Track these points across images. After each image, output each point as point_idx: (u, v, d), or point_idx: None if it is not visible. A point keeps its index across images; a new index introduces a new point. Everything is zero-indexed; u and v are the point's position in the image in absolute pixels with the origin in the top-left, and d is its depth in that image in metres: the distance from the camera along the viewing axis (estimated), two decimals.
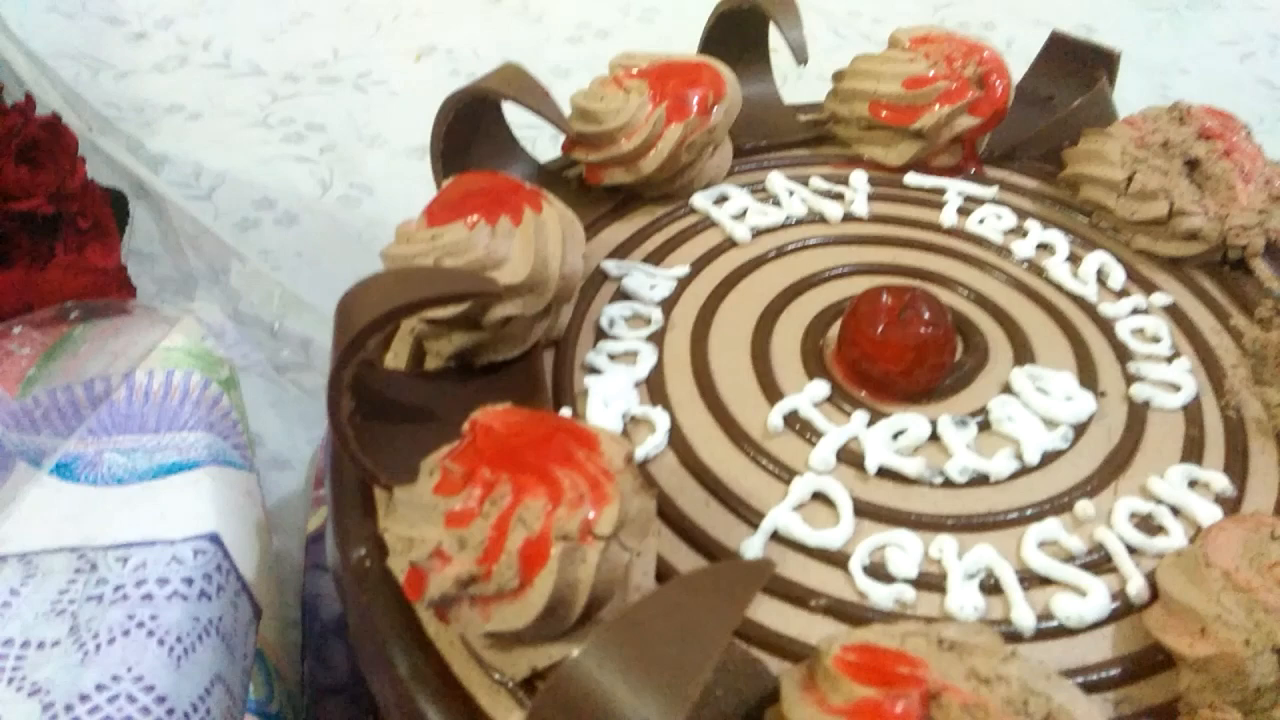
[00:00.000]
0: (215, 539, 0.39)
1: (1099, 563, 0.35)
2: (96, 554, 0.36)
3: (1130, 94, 0.58)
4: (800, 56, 0.53)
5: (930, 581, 0.34)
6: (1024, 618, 0.33)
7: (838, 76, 0.55)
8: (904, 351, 0.39)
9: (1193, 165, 0.49)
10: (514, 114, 0.49)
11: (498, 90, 0.47)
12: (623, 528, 0.31)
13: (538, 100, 0.46)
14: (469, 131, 0.49)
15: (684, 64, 0.50)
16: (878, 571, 0.35)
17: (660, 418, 0.39)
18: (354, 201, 0.85)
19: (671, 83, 0.48)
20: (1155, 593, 0.34)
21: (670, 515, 0.36)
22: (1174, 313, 0.46)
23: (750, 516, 0.36)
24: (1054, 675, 0.28)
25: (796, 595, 0.34)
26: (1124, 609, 0.34)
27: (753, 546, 0.35)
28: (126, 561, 0.37)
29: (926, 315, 0.40)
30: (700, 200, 0.50)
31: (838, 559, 0.35)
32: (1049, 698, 0.27)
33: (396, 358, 0.43)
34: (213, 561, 0.38)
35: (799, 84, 0.61)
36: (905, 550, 0.35)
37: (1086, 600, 0.34)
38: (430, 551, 0.30)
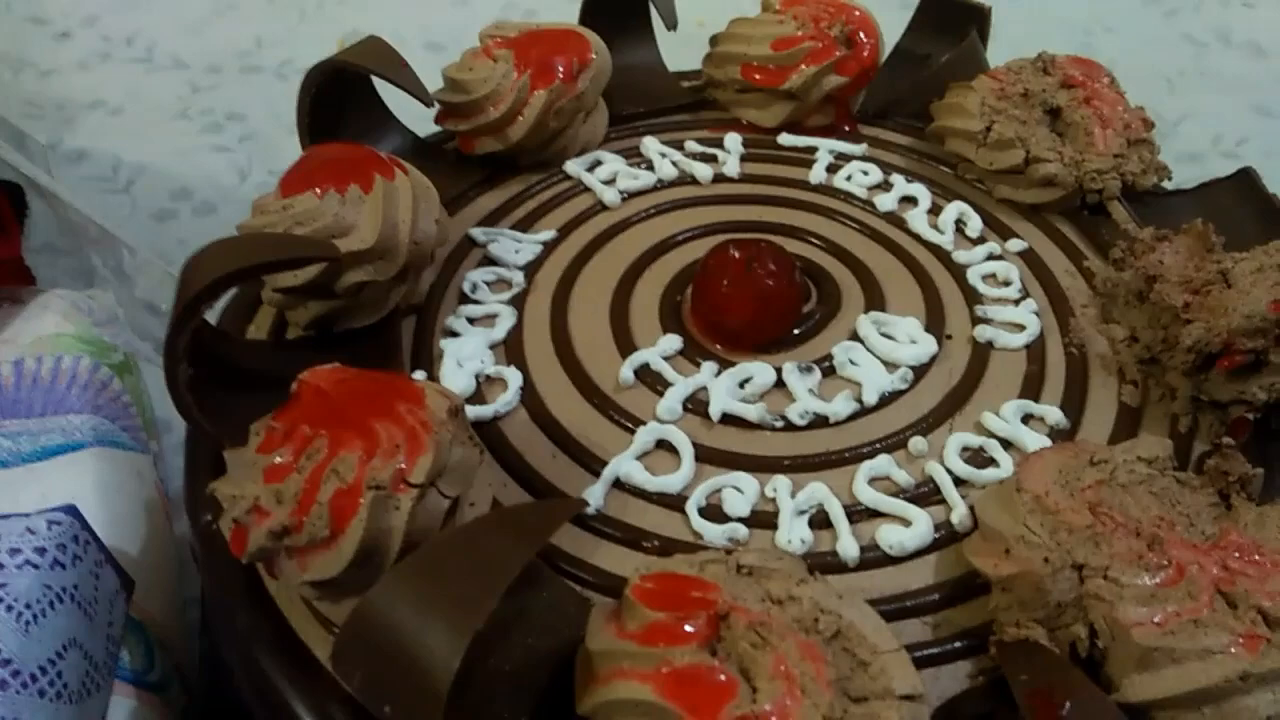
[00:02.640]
0: (72, 510, 0.40)
1: (927, 495, 0.36)
2: None
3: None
4: (669, 22, 0.53)
5: (762, 520, 0.35)
6: (849, 548, 0.34)
7: (713, 41, 0.55)
8: (750, 303, 0.40)
9: (1054, 114, 0.50)
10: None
11: (357, 63, 0.47)
12: (440, 476, 0.31)
13: (395, 72, 0.47)
14: (339, 106, 0.49)
15: (550, 32, 0.51)
16: (713, 512, 0.36)
17: (513, 376, 0.40)
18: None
19: (536, 50, 0.49)
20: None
21: (517, 468, 0.37)
22: (1028, 257, 0.47)
23: (594, 466, 0.37)
24: (848, 596, 0.29)
25: (632, 539, 0.35)
26: (948, 538, 0.35)
27: (594, 494, 0.36)
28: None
29: (772, 267, 0.40)
30: (572, 166, 0.51)
31: (676, 502, 0.36)
32: (839, 615, 0.28)
33: (259, 329, 0.43)
34: (68, 532, 0.38)
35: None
36: (741, 491, 0.36)
37: (910, 530, 0.35)
38: (249, 507, 0.31)
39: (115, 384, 0.54)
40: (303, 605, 0.33)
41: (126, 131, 0.90)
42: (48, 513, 0.39)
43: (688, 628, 0.27)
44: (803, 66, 0.52)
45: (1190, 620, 0.29)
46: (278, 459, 0.31)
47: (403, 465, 0.31)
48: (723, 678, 0.26)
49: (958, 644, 0.32)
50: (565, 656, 0.30)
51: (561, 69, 0.49)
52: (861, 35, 0.53)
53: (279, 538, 0.30)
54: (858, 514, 0.36)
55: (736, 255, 0.41)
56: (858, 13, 0.54)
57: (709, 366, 0.40)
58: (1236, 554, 0.31)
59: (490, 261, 0.46)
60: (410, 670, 0.26)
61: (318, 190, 0.41)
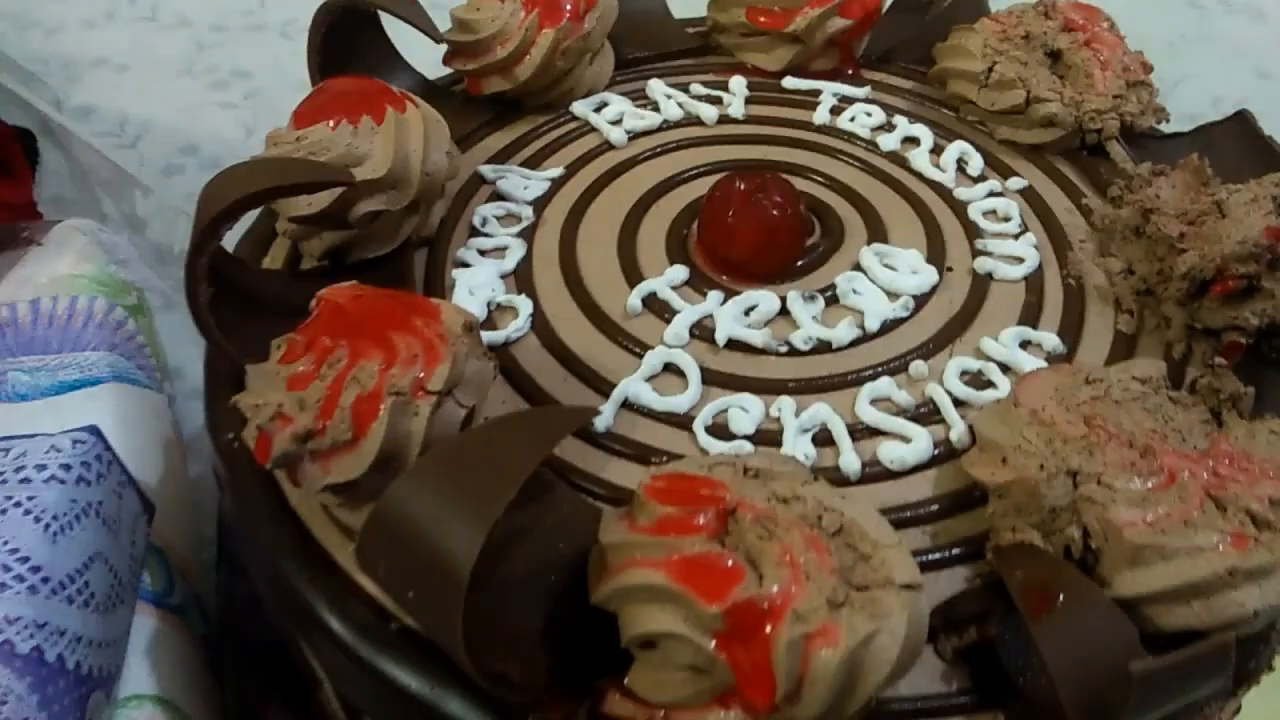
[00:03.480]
0: (94, 430, 0.41)
1: (927, 415, 0.37)
2: None
3: None
4: None
5: (767, 437, 0.36)
6: (851, 464, 0.35)
7: None
8: (754, 233, 0.41)
9: (1055, 56, 0.51)
10: None
11: (363, 1, 0.48)
12: (457, 386, 0.32)
13: (405, 8, 0.47)
14: (349, 45, 0.50)
15: None
16: (719, 431, 0.37)
17: (524, 304, 0.41)
18: None
19: None
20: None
21: (529, 391, 0.38)
22: (1028, 195, 0.47)
23: (604, 388, 0.38)
24: (850, 497, 0.30)
25: (641, 455, 0.36)
26: (946, 454, 0.36)
27: (604, 413, 0.37)
28: (8, 452, 0.38)
29: (777, 199, 0.41)
30: (579, 107, 0.51)
31: (683, 422, 0.37)
32: (842, 514, 0.29)
33: (274, 260, 0.44)
34: (92, 451, 0.39)
35: None
36: (747, 411, 0.37)
37: (910, 446, 0.36)
38: (273, 414, 0.32)
39: (130, 324, 0.55)
40: (323, 514, 0.35)
41: (133, 89, 0.90)
42: (72, 432, 0.40)
43: (698, 520, 0.28)
44: (807, 9, 0.52)
45: (1180, 521, 0.30)
46: (300, 368, 0.32)
47: (421, 374, 0.32)
48: (730, 564, 0.27)
49: (956, 551, 0.33)
50: (578, 562, 0.31)
51: (568, 8, 0.50)
52: None
53: (303, 441, 0.31)
54: (859, 432, 0.37)
55: (742, 187, 0.41)
56: None
57: (715, 295, 0.41)
58: (1226, 462, 0.32)
59: (499, 197, 0.47)
60: (431, 559, 0.27)
61: (330, 122, 0.42)
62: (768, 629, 0.26)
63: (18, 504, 0.36)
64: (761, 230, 0.41)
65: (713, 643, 0.27)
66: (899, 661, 0.27)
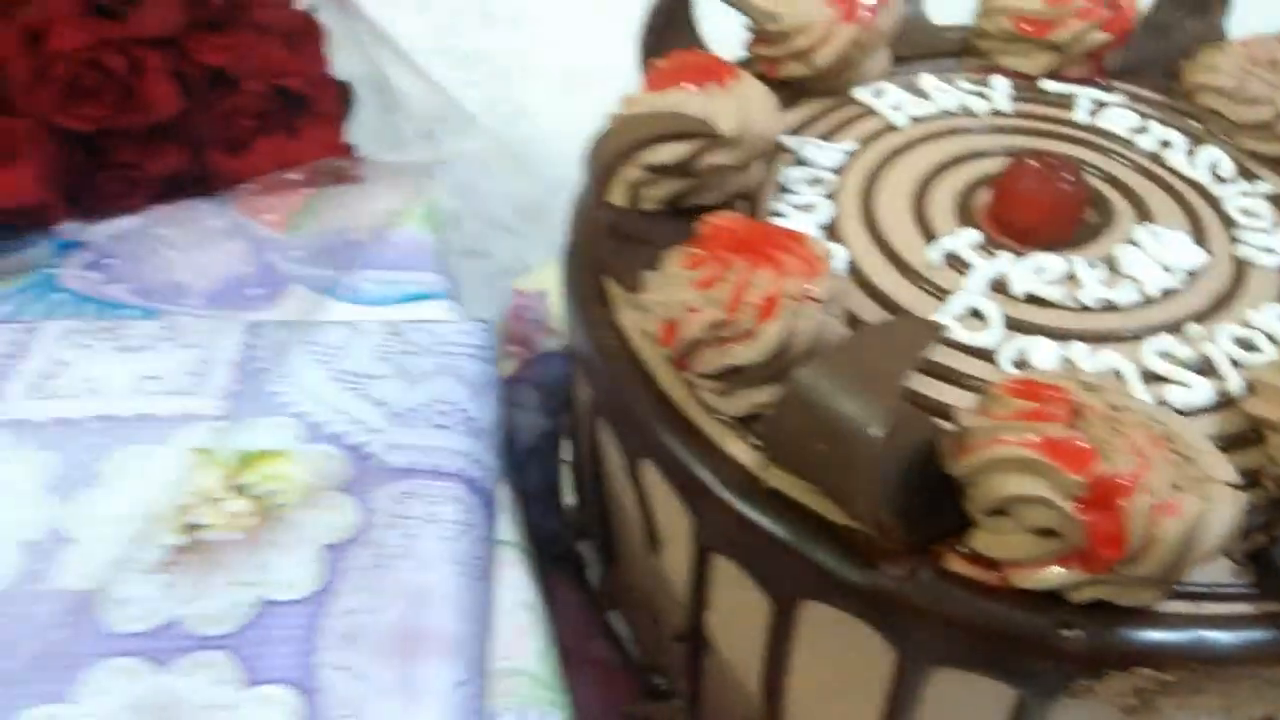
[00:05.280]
0: (483, 321, 0.49)
1: (1204, 369, 0.43)
2: (402, 325, 0.47)
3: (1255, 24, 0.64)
4: None
5: None
6: (1144, 400, 0.41)
7: None
8: (1048, 202, 0.47)
9: None
10: None
11: None
12: (831, 299, 0.40)
13: None
14: (664, 27, 0.58)
15: None
16: (1022, 366, 0.43)
17: (840, 251, 0.48)
18: (510, 120, 0.97)
19: None
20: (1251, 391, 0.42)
21: (854, 326, 0.45)
22: (1275, 200, 0.53)
23: None
24: (1168, 412, 0.36)
25: (954, 377, 0.43)
26: (1223, 402, 0.42)
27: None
28: (401, 334, 0.47)
29: (1066, 175, 0.48)
30: (861, 93, 0.59)
31: (987, 355, 0.44)
32: (1166, 424, 0.35)
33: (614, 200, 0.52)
34: (487, 336, 0.48)
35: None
36: (1045, 352, 0.43)
37: (1192, 391, 0.42)
38: (683, 307, 0.40)
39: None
40: (689, 397, 0.42)
41: None
42: (471, 320, 0.49)
43: (1053, 410, 0.35)
44: (1072, 21, 0.59)
45: None
46: (705, 273, 0.40)
47: (807, 286, 0.39)
48: (1087, 446, 0.34)
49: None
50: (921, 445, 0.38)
51: (865, 6, 0.57)
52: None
53: (712, 329, 0.39)
54: (1147, 377, 0.43)
55: (1037, 165, 0.48)
56: None
57: (1006, 256, 0.48)
58: None
59: (800, 163, 0.54)
60: (846, 426, 0.34)
61: (682, 86, 0.50)
62: (1121, 501, 0.33)
63: (446, 369, 0.44)
64: (1054, 201, 0.47)
65: (1072, 507, 0.33)
66: (1221, 540, 0.33)
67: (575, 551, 0.60)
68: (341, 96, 0.73)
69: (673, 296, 0.40)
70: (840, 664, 0.41)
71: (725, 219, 0.42)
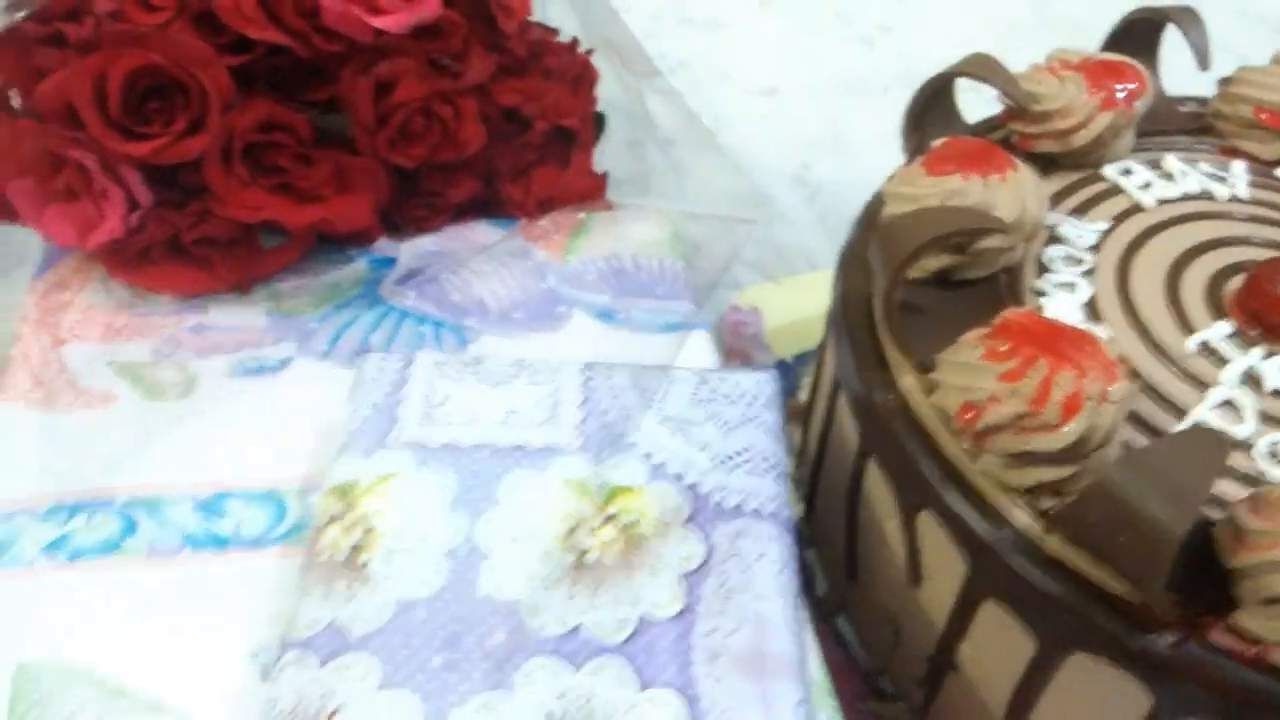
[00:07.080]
0: (769, 369, 0.56)
1: None
2: (708, 374, 0.54)
3: None
4: (1204, 63, 0.65)
5: None
6: None
7: (1224, 82, 0.67)
8: None
9: None
10: None
11: (970, 72, 0.61)
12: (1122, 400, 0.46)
13: (1004, 81, 0.60)
14: (929, 103, 0.64)
15: (1115, 63, 0.63)
16: (1276, 456, 0.49)
17: (1102, 332, 0.54)
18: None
19: (1106, 78, 0.62)
20: None
21: None
22: None
23: (1173, 413, 0.51)
24: None
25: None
26: None
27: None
28: (734, 382, 0.54)
29: None
30: (1109, 171, 0.63)
31: (1244, 446, 0.49)
32: None
33: None
34: (776, 386, 0.55)
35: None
36: None
37: None
38: (986, 396, 0.46)
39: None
40: (969, 464, 0.49)
41: None
42: (767, 371, 0.56)
43: None
44: None
45: None
46: (1009, 366, 0.46)
47: (1106, 388, 0.45)
48: None
49: None
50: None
51: (1123, 95, 0.61)
52: None
53: (1016, 419, 0.45)
54: None
55: None
56: None
57: (1257, 350, 0.53)
58: None
59: (1057, 240, 0.59)
60: (1148, 522, 0.40)
61: (962, 175, 0.56)
62: None
63: (750, 419, 0.52)
64: None
65: None
66: None
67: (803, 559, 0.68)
68: (598, 125, 0.81)
69: (976, 383, 0.47)
70: (1093, 702, 0.48)
71: (1020, 314, 0.48)
